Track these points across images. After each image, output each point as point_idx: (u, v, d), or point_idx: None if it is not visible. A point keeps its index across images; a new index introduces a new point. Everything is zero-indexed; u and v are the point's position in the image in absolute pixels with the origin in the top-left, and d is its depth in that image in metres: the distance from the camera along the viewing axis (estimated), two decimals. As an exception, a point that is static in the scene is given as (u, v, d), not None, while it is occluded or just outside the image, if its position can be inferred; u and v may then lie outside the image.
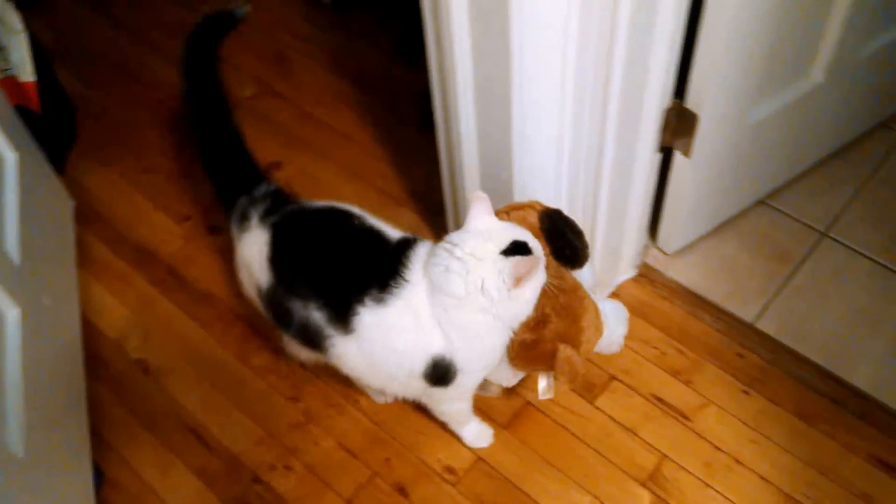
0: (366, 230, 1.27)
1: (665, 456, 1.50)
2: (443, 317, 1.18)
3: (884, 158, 1.91)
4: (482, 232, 1.17)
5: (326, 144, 2.07)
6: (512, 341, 1.24)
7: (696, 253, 1.77)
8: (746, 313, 1.67)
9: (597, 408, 1.56)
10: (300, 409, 1.59)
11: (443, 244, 1.17)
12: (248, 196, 1.35)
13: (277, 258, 1.26)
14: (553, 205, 1.46)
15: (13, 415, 1.26)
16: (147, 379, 1.66)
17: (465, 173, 1.53)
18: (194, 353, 1.69)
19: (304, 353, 1.38)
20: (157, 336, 1.73)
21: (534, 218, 1.30)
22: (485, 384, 1.50)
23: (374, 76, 2.23)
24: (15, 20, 1.85)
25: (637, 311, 1.68)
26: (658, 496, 1.46)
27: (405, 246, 1.23)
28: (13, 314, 1.36)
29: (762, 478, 1.47)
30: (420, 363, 1.22)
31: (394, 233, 1.28)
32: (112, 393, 1.63)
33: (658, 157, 1.58)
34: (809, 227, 1.80)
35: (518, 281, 1.12)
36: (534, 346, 1.25)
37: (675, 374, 1.60)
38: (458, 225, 1.66)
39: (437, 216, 1.80)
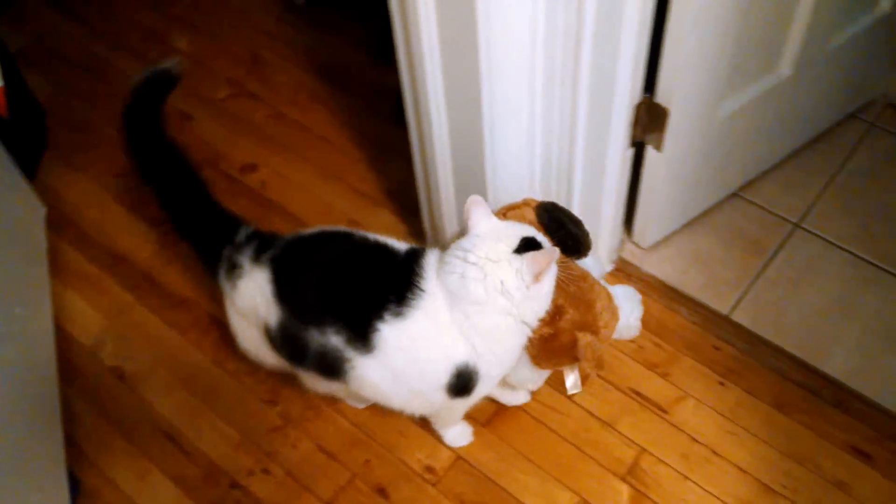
0: (371, 246, 1.25)
1: (643, 449, 1.51)
2: (465, 324, 1.17)
3: (854, 149, 1.93)
4: (489, 234, 1.17)
5: (302, 145, 2.06)
6: (531, 340, 1.25)
7: (671, 246, 1.78)
8: (722, 305, 1.68)
9: (575, 403, 1.57)
10: (278, 413, 1.58)
11: (453, 252, 1.17)
12: (231, 245, 1.31)
13: (284, 291, 1.22)
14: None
15: (-15, 426, 1.25)
16: (122, 386, 1.64)
17: (438, 173, 1.53)
18: (170, 358, 1.68)
19: (321, 386, 1.35)
20: (132, 342, 1.71)
21: (531, 214, 1.32)
22: (511, 390, 1.53)
23: (349, 75, 2.22)
24: (-20, 25, 1.83)
25: (613, 306, 1.69)
26: (637, 490, 1.46)
27: (415, 256, 1.22)
28: (-17, 324, 1.35)
29: (740, 469, 1.47)
30: (444, 374, 1.21)
31: (399, 245, 1.27)
32: (87, 401, 1.62)
33: (630, 152, 1.58)
34: (782, 218, 1.81)
35: (538, 276, 1.13)
36: (553, 339, 1.26)
37: (652, 367, 1.61)
38: (434, 224, 1.67)
39: (413, 215, 1.80)
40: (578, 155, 1.47)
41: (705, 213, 1.82)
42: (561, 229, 1.29)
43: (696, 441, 1.51)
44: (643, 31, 1.34)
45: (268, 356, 1.36)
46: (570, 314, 1.26)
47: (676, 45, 1.37)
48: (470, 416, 1.54)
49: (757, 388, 1.57)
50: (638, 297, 1.43)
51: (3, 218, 1.59)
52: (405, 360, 1.20)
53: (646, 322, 1.65)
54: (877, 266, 1.73)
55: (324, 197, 1.93)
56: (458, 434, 1.52)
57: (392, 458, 1.51)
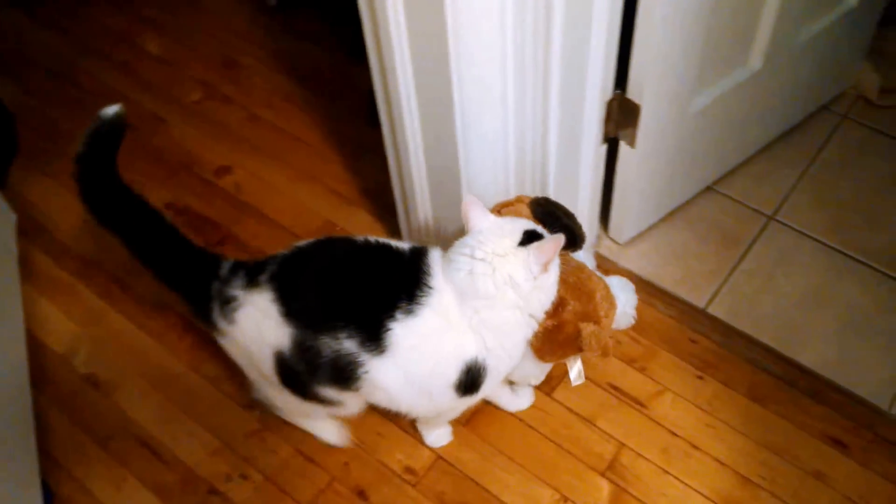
0: (374, 247, 1.24)
1: (623, 444, 1.51)
2: (475, 320, 1.17)
3: (826, 141, 1.94)
4: (492, 230, 1.18)
5: (276, 146, 2.04)
6: (535, 333, 1.26)
7: (647, 241, 1.79)
8: (698, 299, 1.68)
9: (554, 400, 1.57)
10: (256, 417, 1.57)
11: (459, 250, 1.17)
12: (218, 280, 1.26)
13: (292, 306, 1.19)
14: (501, 198, 1.47)
15: (-45, 437, 1.23)
16: (97, 393, 1.63)
17: (412, 172, 1.52)
18: (145, 364, 1.66)
19: (334, 395, 1.29)
20: (106, 349, 1.69)
21: (526, 210, 1.33)
22: (513, 395, 1.54)
23: (324, 76, 2.21)
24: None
25: (590, 302, 1.69)
26: (618, 485, 1.46)
27: (420, 255, 1.22)
28: (-48, 334, 1.33)
29: (718, 461, 1.48)
30: (454, 371, 1.20)
31: (402, 244, 1.26)
32: (60, 409, 1.60)
33: (604, 148, 1.59)
34: (756, 211, 1.82)
35: (545, 265, 1.15)
36: (558, 331, 1.27)
37: (630, 362, 1.61)
38: (410, 223, 1.67)
39: (390, 215, 1.79)
40: (552, 153, 1.47)
41: (680, 208, 1.83)
42: (556, 223, 1.30)
43: (675, 435, 1.51)
44: (612, 26, 1.34)
45: (275, 392, 1.33)
46: (572, 305, 1.27)
47: (646, 41, 1.37)
48: (449, 416, 1.54)
49: (734, 381, 1.57)
50: (631, 286, 1.46)
51: (-28, 226, 1.57)
52: (417, 358, 1.19)
53: (623, 317, 1.66)
54: (850, 256, 1.74)
55: (299, 198, 1.92)
56: (440, 435, 1.51)
57: (371, 460, 1.51)
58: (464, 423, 1.54)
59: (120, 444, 1.56)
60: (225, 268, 1.27)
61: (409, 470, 1.49)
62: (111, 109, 1.25)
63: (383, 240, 1.25)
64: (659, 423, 1.53)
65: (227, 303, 1.24)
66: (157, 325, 1.71)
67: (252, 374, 1.35)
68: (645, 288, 1.71)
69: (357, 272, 1.21)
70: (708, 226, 1.80)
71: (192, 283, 1.30)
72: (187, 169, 1.99)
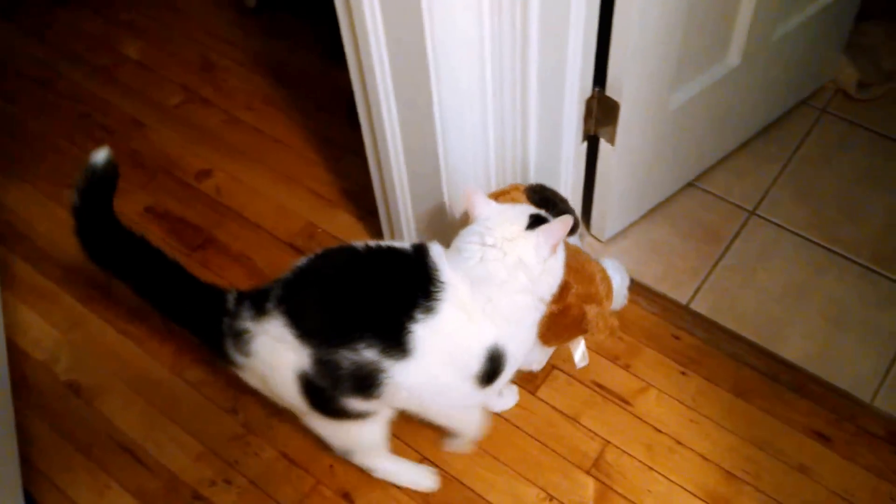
0: (376, 251, 1.22)
1: (608, 442, 1.51)
2: (488, 307, 1.18)
3: (806, 135, 1.95)
4: (497, 217, 1.19)
5: (257, 149, 2.03)
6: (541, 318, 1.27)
7: (629, 238, 1.79)
8: (680, 295, 1.69)
9: (538, 398, 1.57)
10: (239, 421, 1.56)
11: (467, 239, 1.18)
12: (227, 315, 1.23)
13: (305, 326, 1.17)
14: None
15: (-67, 447, 1.22)
16: (79, 400, 1.61)
17: (393, 173, 1.51)
18: (127, 370, 1.65)
19: (361, 407, 1.27)
20: (87, 355, 1.68)
21: (522, 198, 1.35)
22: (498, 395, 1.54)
23: (304, 77, 2.20)
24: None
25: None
26: (603, 483, 1.47)
27: (422, 252, 1.22)
28: (-71, 343, 1.31)
29: (703, 457, 1.48)
30: (477, 360, 1.20)
31: (402, 244, 1.25)
32: (42, 417, 1.59)
33: (584, 146, 1.59)
34: (738, 206, 1.83)
35: (555, 247, 1.17)
36: (563, 315, 1.29)
37: (613, 359, 1.61)
38: (392, 224, 1.66)
39: (372, 215, 1.78)
40: (532, 151, 1.47)
41: (662, 204, 1.83)
42: (553, 208, 1.32)
43: (660, 431, 1.52)
44: (590, 24, 1.34)
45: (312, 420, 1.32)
46: (575, 288, 1.29)
47: (624, 38, 1.37)
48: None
49: (717, 376, 1.58)
50: (623, 267, 1.48)
51: (-51, 234, 1.56)
52: (441, 353, 1.18)
53: (606, 315, 1.67)
54: (830, 250, 1.75)
55: (280, 200, 1.91)
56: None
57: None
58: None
59: (103, 451, 1.55)
60: (230, 301, 1.24)
61: (394, 471, 1.49)
62: (100, 156, 1.22)
63: (384, 242, 1.24)
64: (643, 420, 1.53)
65: (240, 336, 1.21)
66: (139, 330, 1.70)
67: (283, 403, 1.31)
68: (628, 285, 1.71)
69: (364, 279, 1.20)
70: (689, 222, 1.80)
71: (202, 322, 1.28)
72: (167, 173, 1.98)
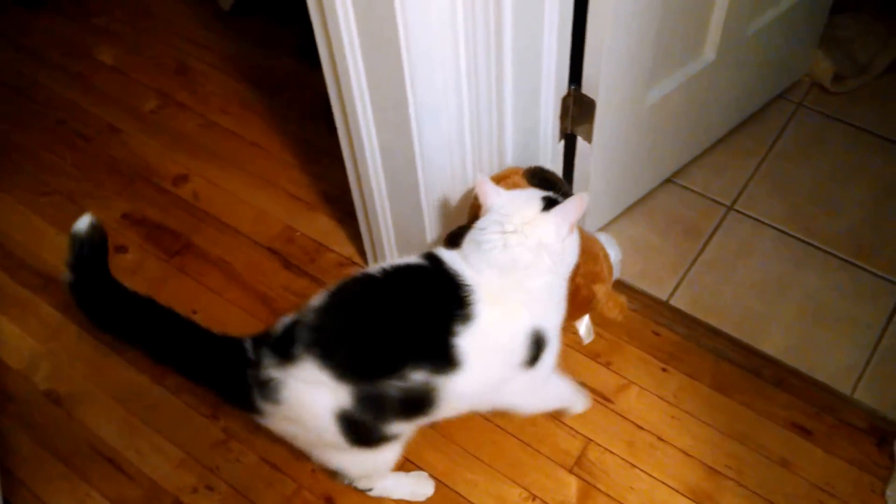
0: (393, 273, 1.20)
1: (590, 440, 1.51)
2: (519, 294, 1.18)
3: (783, 129, 1.95)
4: (511, 203, 1.20)
5: (234, 153, 2.02)
6: None
7: (608, 235, 1.79)
8: (660, 291, 1.69)
9: (520, 398, 1.57)
10: (220, 427, 1.56)
11: (485, 229, 1.18)
12: (249, 366, 1.18)
13: (345, 366, 1.14)
14: (460, 199, 1.47)
15: None
16: (58, 409, 1.60)
17: (370, 175, 1.51)
18: (106, 377, 1.64)
19: (406, 428, 1.26)
20: (66, 364, 1.67)
21: (522, 182, 1.37)
22: None
23: (280, 80, 2.19)
24: None
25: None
26: (585, 481, 1.47)
27: (437, 261, 1.21)
28: None
29: (685, 453, 1.49)
30: (521, 347, 1.20)
31: (413, 259, 1.23)
32: (21, 427, 1.57)
33: (561, 144, 1.59)
34: (716, 201, 1.83)
35: (572, 226, 1.19)
36: (573, 295, 1.29)
37: (594, 357, 1.61)
38: (370, 226, 1.65)
39: (351, 218, 1.78)
40: (509, 151, 1.47)
41: (640, 201, 1.83)
42: (553, 188, 1.33)
43: (641, 428, 1.52)
44: (565, 22, 1.34)
45: (341, 455, 1.30)
46: (583, 266, 1.31)
47: (598, 35, 1.37)
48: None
49: (698, 372, 1.58)
50: (614, 240, 1.51)
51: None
52: (489, 353, 1.18)
53: (587, 312, 1.67)
54: (808, 243, 1.75)
55: (258, 204, 1.90)
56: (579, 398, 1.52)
57: (338, 466, 1.50)
58: (430, 426, 1.53)
59: (83, 460, 1.54)
60: (248, 350, 1.19)
61: (376, 474, 1.49)
62: (82, 224, 1.17)
63: (396, 261, 1.22)
64: (625, 417, 1.53)
65: (266, 386, 1.16)
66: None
67: (310, 445, 1.29)
68: (608, 282, 1.71)
69: (391, 304, 1.18)
70: (668, 218, 1.81)
71: (225, 377, 1.22)
72: (144, 179, 1.97)
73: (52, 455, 1.54)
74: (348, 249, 1.81)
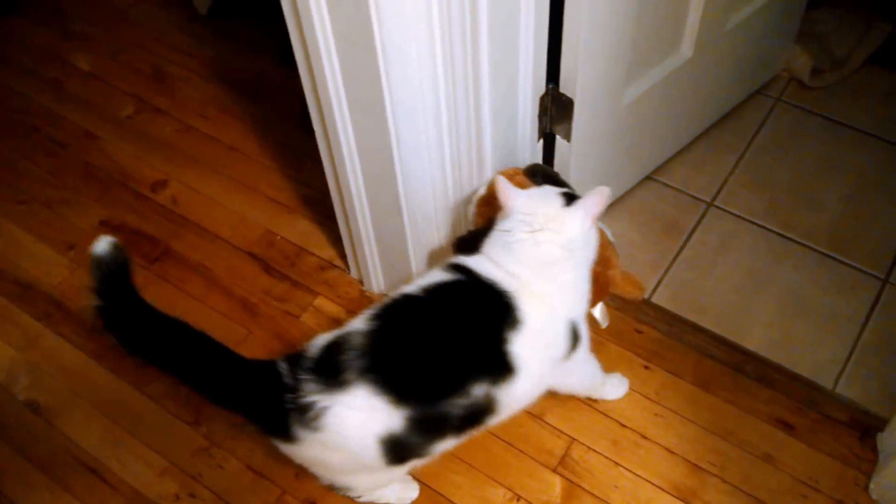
0: (434, 290, 1.21)
1: (573, 439, 1.51)
2: (554, 289, 1.21)
3: (761, 124, 1.96)
4: (532, 202, 1.24)
5: (213, 158, 2.01)
6: None
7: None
8: (642, 289, 1.69)
9: (504, 399, 1.56)
10: (202, 434, 1.54)
11: (513, 229, 1.21)
12: (286, 390, 1.14)
13: (404, 390, 1.12)
14: (440, 200, 1.46)
15: None
16: (38, 420, 1.58)
17: (349, 177, 1.50)
18: (87, 387, 1.62)
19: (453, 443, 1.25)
20: (46, 373, 1.65)
21: (526, 181, 1.40)
22: None
23: (258, 84, 2.18)
24: None
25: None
26: (569, 480, 1.47)
27: (466, 270, 1.22)
28: None
29: (668, 450, 1.49)
30: (564, 339, 1.24)
31: (445, 273, 1.23)
32: (1, 437, 1.56)
33: (540, 144, 1.58)
34: (696, 198, 1.84)
35: (594, 218, 1.24)
36: (594, 282, 1.31)
37: (577, 356, 1.61)
38: (350, 228, 1.65)
39: (331, 221, 1.76)
40: (488, 151, 1.46)
41: (620, 199, 1.83)
42: (554, 183, 1.37)
43: (625, 426, 1.52)
44: (541, 20, 1.34)
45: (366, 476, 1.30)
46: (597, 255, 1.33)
47: (574, 33, 1.37)
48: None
49: (680, 369, 1.58)
50: (605, 224, 1.51)
51: None
52: (539, 352, 1.20)
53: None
54: (787, 238, 1.76)
55: (238, 209, 1.89)
56: (616, 383, 1.55)
57: (322, 471, 1.49)
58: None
59: (64, 470, 1.52)
60: (284, 374, 1.15)
61: (360, 478, 1.48)
62: (103, 245, 1.14)
63: (430, 279, 1.22)
64: (608, 416, 1.53)
65: (307, 411, 1.12)
66: (98, 345, 1.68)
67: (340, 471, 1.28)
68: (590, 281, 1.71)
69: (441, 322, 1.18)
70: (648, 215, 1.81)
71: (260, 403, 1.18)
72: (122, 185, 1.95)
73: (34, 465, 1.53)
74: (329, 252, 1.80)
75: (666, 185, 1.86)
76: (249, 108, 2.11)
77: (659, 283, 1.70)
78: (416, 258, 1.58)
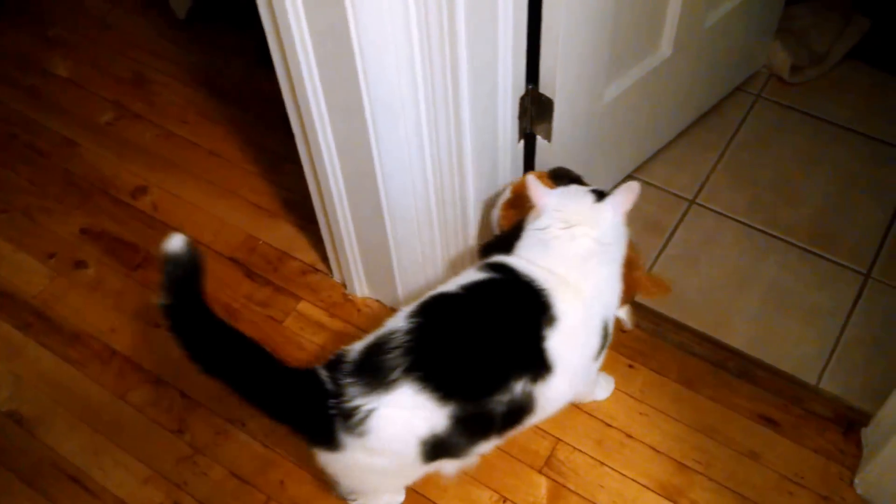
0: (473, 288, 1.21)
1: (559, 440, 1.51)
2: (590, 286, 1.22)
3: (742, 121, 1.97)
4: (564, 200, 1.27)
5: (194, 163, 2.00)
6: None
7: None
8: (625, 288, 1.69)
9: (489, 400, 1.56)
10: (186, 441, 1.53)
11: (548, 227, 1.23)
12: (328, 395, 1.13)
13: (450, 388, 1.12)
14: (421, 201, 1.46)
15: None
16: (21, 430, 1.57)
17: (329, 182, 1.49)
18: (70, 396, 1.61)
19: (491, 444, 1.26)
20: (27, 383, 1.63)
21: (551, 184, 1.40)
22: None
23: (238, 88, 2.16)
24: None
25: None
26: (555, 481, 1.46)
27: (504, 268, 1.23)
28: None
29: (653, 449, 1.49)
30: (597, 336, 1.24)
31: (480, 273, 1.23)
32: (-18, 450, 1.55)
33: (521, 145, 1.58)
34: (678, 196, 1.84)
35: (625, 214, 1.26)
36: (624, 281, 1.32)
37: (562, 356, 1.61)
38: (332, 231, 1.64)
39: (313, 224, 1.76)
40: (468, 153, 1.45)
41: (603, 198, 1.83)
42: (577, 184, 1.39)
43: (610, 426, 1.52)
44: (519, 20, 1.33)
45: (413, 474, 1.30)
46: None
47: (553, 33, 1.36)
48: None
49: (664, 368, 1.58)
50: None
51: None
52: (575, 348, 1.21)
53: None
54: (769, 234, 1.76)
55: (219, 214, 1.88)
56: (602, 383, 1.55)
57: (307, 476, 1.48)
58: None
59: (47, 481, 1.51)
60: (325, 380, 1.14)
61: (346, 483, 1.47)
62: (176, 243, 1.11)
63: (469, 277, 1.23)
64: (592, 416, 1.53)
65: (350, 417, 1.12)
66: (80, 354, 1.66)
67: (373, 477, 1.27)
68: (573, 280, 1.71)
69: (482, 319, 1.18)
70: (630, 214, 1.78)
71: (306, 412, 1.17)
72: (102, 192, 1.94)
73: (16, 476, 1.51)
74: (311, 256, 1.80)
75: (648, 183, 1.86)
76: (229, 112, 2.10)
77: (642, 281, 1.70)
78: (399, 261, 1.57)
